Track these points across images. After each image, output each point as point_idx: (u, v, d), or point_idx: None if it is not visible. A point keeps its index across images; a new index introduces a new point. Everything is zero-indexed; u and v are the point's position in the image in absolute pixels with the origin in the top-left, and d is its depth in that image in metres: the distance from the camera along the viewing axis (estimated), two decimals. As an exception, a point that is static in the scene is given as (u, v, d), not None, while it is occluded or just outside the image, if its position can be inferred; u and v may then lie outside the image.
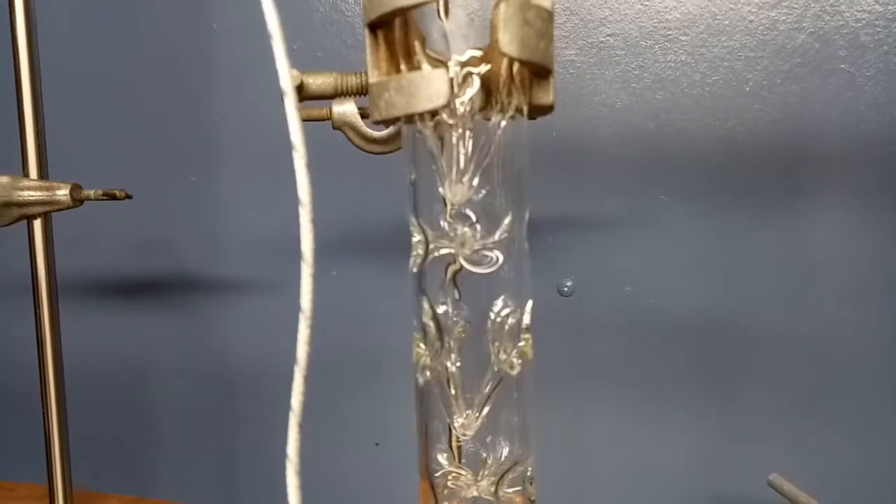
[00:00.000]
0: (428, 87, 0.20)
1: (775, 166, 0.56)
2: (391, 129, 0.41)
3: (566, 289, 0.61)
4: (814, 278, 0.57)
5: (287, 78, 0.18)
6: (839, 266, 0.56)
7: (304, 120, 0.41)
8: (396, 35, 0.22)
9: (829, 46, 0.54)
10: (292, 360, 0.24)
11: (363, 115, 0.41)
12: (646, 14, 0.57)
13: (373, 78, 0.21)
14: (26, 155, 0.48)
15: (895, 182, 0.54)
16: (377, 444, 0.68)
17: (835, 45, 0.54)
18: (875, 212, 0.55)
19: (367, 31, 0.21)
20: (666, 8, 0.56)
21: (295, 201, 0.22)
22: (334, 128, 0.41)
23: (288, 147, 0.22)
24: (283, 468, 0.23)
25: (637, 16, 0.57)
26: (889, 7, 0.53)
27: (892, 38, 0.53)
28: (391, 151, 0.42)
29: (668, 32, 0.57)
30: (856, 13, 0.53)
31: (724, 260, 0.58)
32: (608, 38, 0.58)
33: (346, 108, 0.41)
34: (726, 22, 0.56)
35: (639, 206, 0.59)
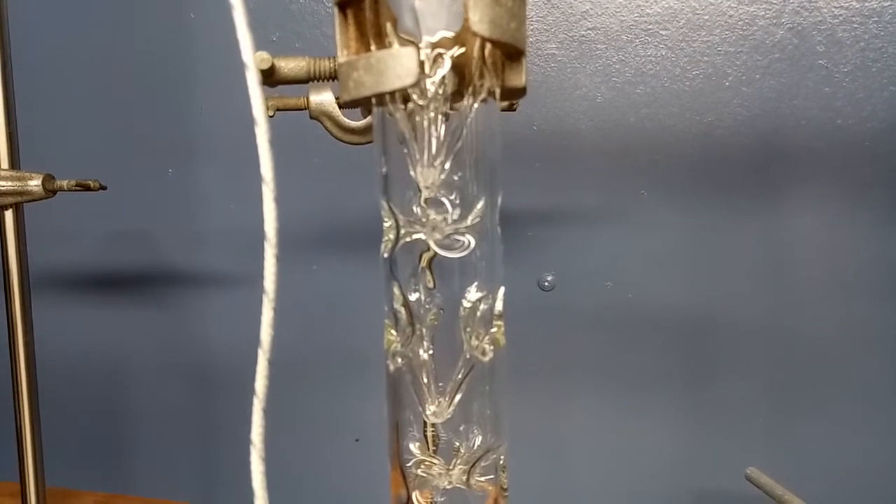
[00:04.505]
0: (397, 65, 0.19)
1: (754, 161, 0.56)
2: (368, 119, 0.41)
3: (547, 283, 0.61)
4: (792, 273, 0.57)
5: (248, 51, 0.18)
6: (817, 260, 0.57)
7: (282, 109, 0.41)
8: (367, 14, 0.21)
9: (807, 42, 0.55)
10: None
11: (341, 105, 0.41)
12: (626, 8, 0.57)
13: (342, 58, 0.21)
14: (-4, 144, 0.48)
15: (871, 177, 0.55)
16: (357, 440, 0.67)
17: (813, 40, 0.54)
18: (852, 206, 0.55)
19: (336, 10, 0.21)
20: (646, 2, 0.57)
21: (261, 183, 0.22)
22: (311, 117, 0.41)
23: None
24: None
25: (618, 10, 0.57)
26: (865, 4, 0.53)
27: (869, 34, 0.53)
28: (369, 142, 0.42)
29: (649, 27, 0.57)
30: (833, 9, 0.54)
31: (704, 254, 0.58)
32: (589, 31, 0.58)
33: (324, 98, 0.41)
34: (706, 17, 0.56)
35: (619, 201, 0.59)
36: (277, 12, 0.62)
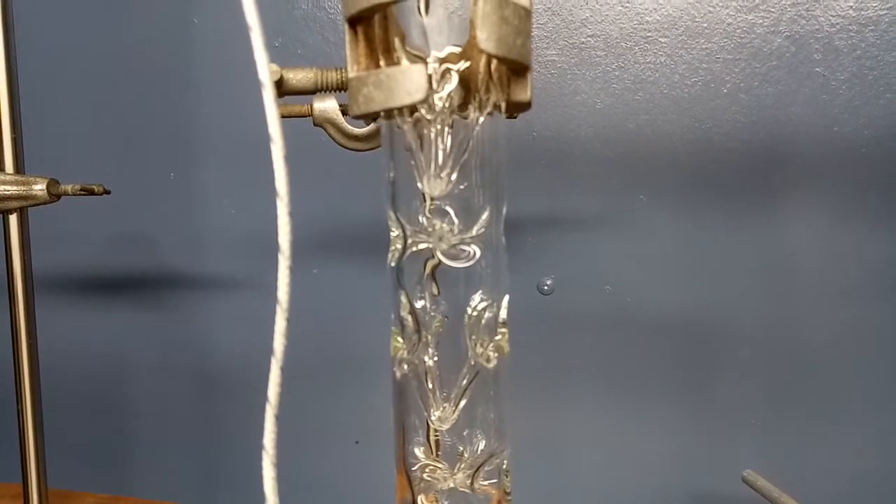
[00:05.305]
0: (406, 81, 0.20)
1: (752, 167, 0.57)
2: (372, 126, 0.41)
3: (546, 288, 0.61)
4: (789, 277, 0.58)
5: (265, 69, 0.18)
6: (814, 265, 0.57)
7: (286, 116, 0.42)
8: (376, 31, 0.22)
9: (804, 50, 0.55)
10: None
11: (344, 112, 0.41)
12: (626, 16, 0.58)
13: (352, 73, 0.22)
14: (2, 148, 0.48)
15: (867, 183, 0.55)
16: (357, 442, 0.68)
17: (810, 48, 0.55)
18: (848, 212, 0.56)
19: (346, 26, 0.21)
20: (646, 10, 0.57)
21: (276, 197, 0.22)
22: (315, 124, 0.41)
23: (268, 142, 0.22)
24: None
25: (617, 17, 0.58)
26: (862, 12, 0.54)
27: (865, 42, 0.54)
28: (372, 149, 0.42)
29: (648, 34, 0.57)
30: (830, 18, 0.54)
31: (702, 259, 0.59)
32: (589, 39, 0.58)
33: (328, 105, 0.41)
34: (705, 24, 0.56)
35: (618, 206, 0.60)
36: (280, 18, 0.63)
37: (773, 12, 0.55)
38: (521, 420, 0.63)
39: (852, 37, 0.54)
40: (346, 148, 0.42)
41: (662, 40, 0.57)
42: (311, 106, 0.41)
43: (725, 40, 0.56)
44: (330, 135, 0.42)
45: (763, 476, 0.48)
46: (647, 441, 0.62)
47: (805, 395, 0.59)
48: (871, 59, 0.54)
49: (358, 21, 0.21)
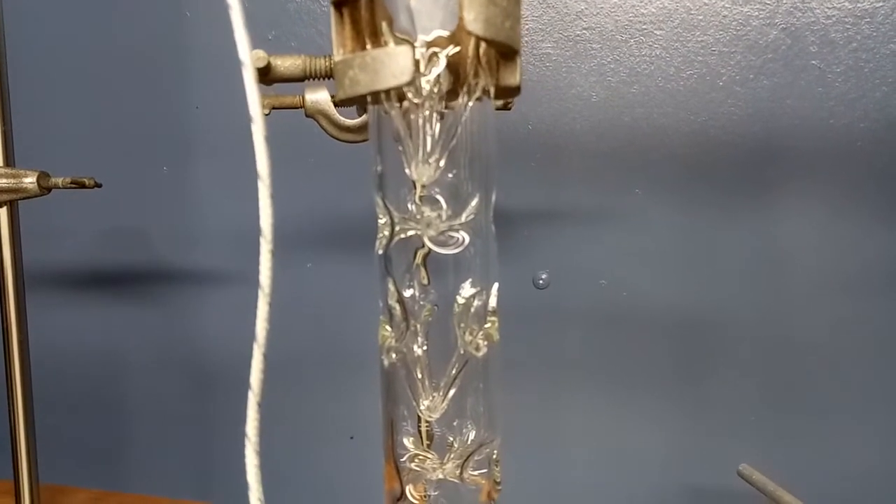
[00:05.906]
0: (392, 64, 0.20)
1: (747, 160, 0.57)
2: (364, 117, 0.41)
3: (541, 281, 0.61)
4: (784, 271, 0.58)
5: (245, 49, 0.18)
6: (809, 259, 0.57)
7: (277, 108, 0.41)
8: (362, 14, 0.22)
9: (800, 42, 0.55)
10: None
11: (336, 104, 0.41)
12: (621, 8, 0.57)
13: (338, 56, 0.21)
14: (-8, 141, 0.47)
15: (863, 176, 0.55)
16: (352, 438, 0.68)
17: (806, 41, 0.55)
18: (844, 205, 0.56)
19: (332, 9, 0.21)
20: (641, 2, 0.57)
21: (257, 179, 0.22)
22: (307, 115, 0.41)
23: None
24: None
25: (613, 10, 0.57)
26: (858, 5, 0.54)
27: (861, 35, 0.54)
28: (365, 140, 0.42)
29: (644, 27, 0.57)
30: (826, 10, 0.54)
31: (698, 253, 0.59)
32: (584, 31, 0.58)
33: (320, 96, 0.41)
34: (700, 17, 0.56)
35: (613, 200, 0.59)
36: (273, 11, 0.62)
37: (768, 4, 0.55)
38: (516, 414, 0.62)
39: (848, 29, 0.54)
40: (339, 140, 0.42)
41: (658, 33, 0.57)
42: (303, 97, 0.41)
43: (721, 33, 0.56)
44: (322, 126, 0.41)
45: (759, 469, 0.48)
46: (642, 435, 0.62)
47: (801, 389, 0.59)
48: (867, 52, 0.54)
49: (343, 3, 0.21)
